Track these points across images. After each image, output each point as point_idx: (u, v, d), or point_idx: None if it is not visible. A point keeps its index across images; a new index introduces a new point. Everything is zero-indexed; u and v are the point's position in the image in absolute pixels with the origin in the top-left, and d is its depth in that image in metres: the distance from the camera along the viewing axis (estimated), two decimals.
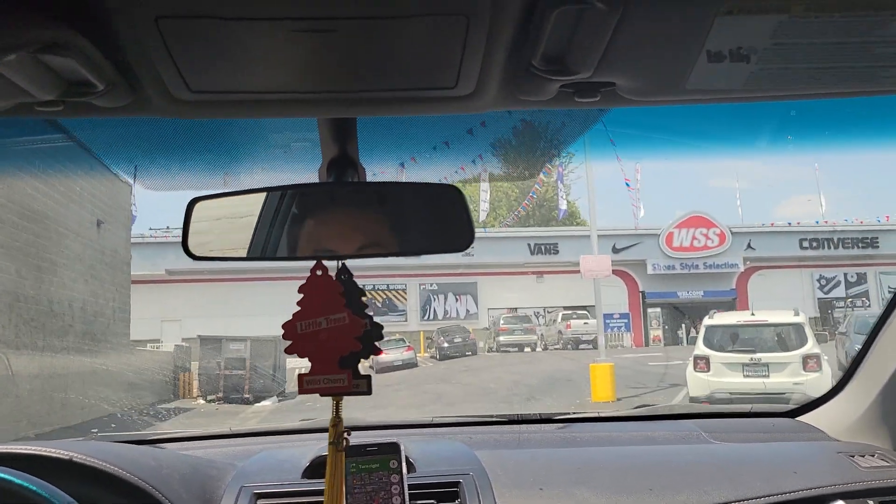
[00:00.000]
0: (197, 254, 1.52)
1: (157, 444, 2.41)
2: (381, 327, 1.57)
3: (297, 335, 1.51)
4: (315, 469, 2.01)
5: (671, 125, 2.11)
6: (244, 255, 1.59)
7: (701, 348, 13.90)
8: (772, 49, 1.05)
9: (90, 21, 0.99)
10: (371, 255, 1.57)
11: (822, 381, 12.26)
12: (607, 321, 33.69)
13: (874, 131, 2.37)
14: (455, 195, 1.46)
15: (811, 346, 13.17)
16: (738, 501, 1.92)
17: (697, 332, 15.62)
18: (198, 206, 1.53)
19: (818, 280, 37.66)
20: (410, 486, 1.83)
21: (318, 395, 1.51)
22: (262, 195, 1.57)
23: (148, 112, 1.29)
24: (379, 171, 1.97)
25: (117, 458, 1.87)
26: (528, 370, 22.01)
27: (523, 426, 2.67)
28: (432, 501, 1.88)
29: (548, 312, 36.11)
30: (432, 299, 36.33)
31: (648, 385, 18.36)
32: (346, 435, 1.59)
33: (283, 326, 1.51)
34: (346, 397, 1.57)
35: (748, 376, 13.18)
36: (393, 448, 1.86)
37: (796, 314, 14.22)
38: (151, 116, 1.32)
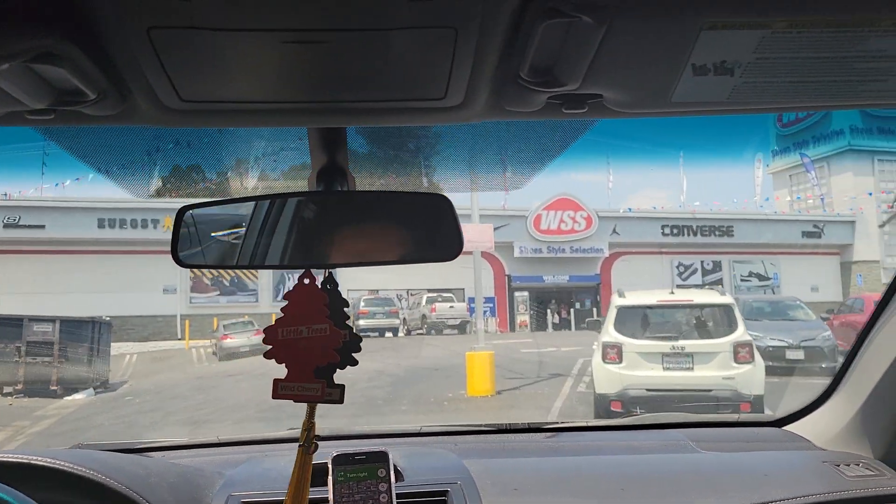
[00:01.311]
0: (187, 262, 1.52)
1: (144, 453, 2.39)
2: (360, 339, 1.58)
3: (277, 341, 1.52)
4: None
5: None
6: (233, 262, 1.60)
7: (611, 334, 11.39)
8: (755, 63, 1.07)
9: (83, 31, 1.00)
10: (360, 263, 1.58)
11: (755, 374, 10.77)
12: (474, 305, 32.01)
13: None
14: (444, 204, 1.48)
15: (742, 333, 11.16)
16: None
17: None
18: (188, 214, 1.53)
19: (677, 267, 38.27)
20: (398, 495, 1.83)
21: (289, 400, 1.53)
22: (252, 204, 1.58)
23: (138, 121, 1.30)
24: (368, 180, 1.97)
25: (104, 467, 1.85)
26: (392, 358, 20.16)
27: (511, 435, 2.68)
28: None
29: (411, 295, 35.16)
30: (286, 278, 32.70)
31: (527, 375, 16.90)
32: (314, 441, 1.60)
33: (265, 331, 1.53)
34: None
35: (669, 368, 10.97)
36: (381, 457, 1.86)
37: (722, 293, 12.31)
38: (142, 125, 1.33)
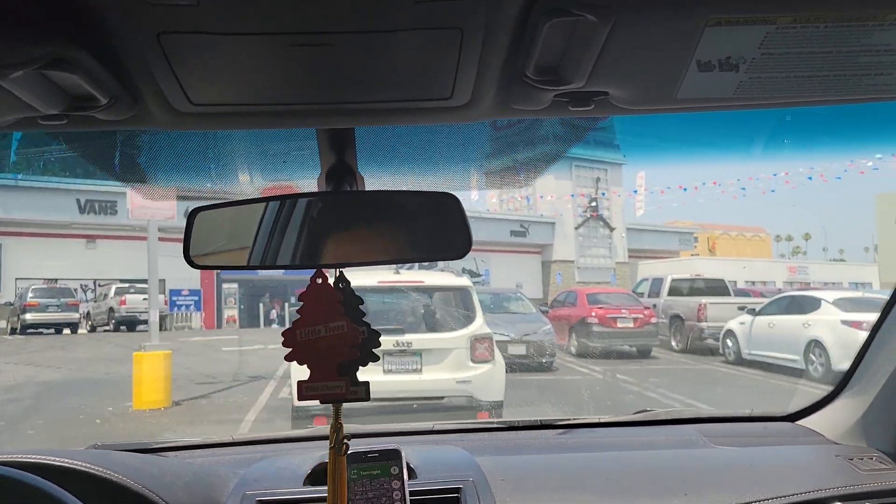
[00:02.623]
0: (199, 263, 1.54)
1: (159, 453, 2.41)
2: (378, 334, 1.58)
3: (297, 343, 1.53)
4: (316, 476, 2.02)
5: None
6: (245, 263, 1.60)
7: None
8: (760, 58, 1.08)
9: (95, 38, 1.01)
10: (369, 262, 1.59)
11: (494, 376, 8.96)
12: (175, 298, 30.21)
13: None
14: (452, 202, 1.48)
15: (481, 325, 9.09)
16: None
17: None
18: (199, 216, 1.55)
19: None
20: (411, 493, 1.84)
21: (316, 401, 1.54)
22: (262, 205, 1.59)
23: (149, 124, 1.32)
24: (377, 179, 1.98)
25: (121, 467, 1.87)
26: (57, 361, 16.96)
27: (523, 432, 2.69)
28: None
29: (100, 286, 31.05)
30: None
31: (221, 379, 14.46)
32: (346, 440, 1.61)
33: (284, 334, 1.54)
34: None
35: (391, 371, 8.69)
36: (394, 454, 1.87)
37: (459, 275, 10.52)
38: (153, 128, 1.35)
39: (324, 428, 2.60)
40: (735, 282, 26.88)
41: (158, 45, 1.03)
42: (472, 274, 36.49)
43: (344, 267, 1.56)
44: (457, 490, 1.93)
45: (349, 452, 1.84)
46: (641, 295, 23.03)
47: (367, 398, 1.55)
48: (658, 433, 2.64)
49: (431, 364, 8.77)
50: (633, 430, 2.73)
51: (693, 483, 2.03)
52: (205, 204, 1.58)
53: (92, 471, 1.82)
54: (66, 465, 1.83)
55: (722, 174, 37.22)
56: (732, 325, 18.38)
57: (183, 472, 2.05)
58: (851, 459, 2.17)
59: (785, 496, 1.96)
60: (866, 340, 2.44)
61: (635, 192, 41.07)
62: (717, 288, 23.03)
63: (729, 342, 18.39)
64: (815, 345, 15.10)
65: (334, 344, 1.52)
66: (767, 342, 16.78)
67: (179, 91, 1.17)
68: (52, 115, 1.20)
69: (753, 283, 38.49)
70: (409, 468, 1.91)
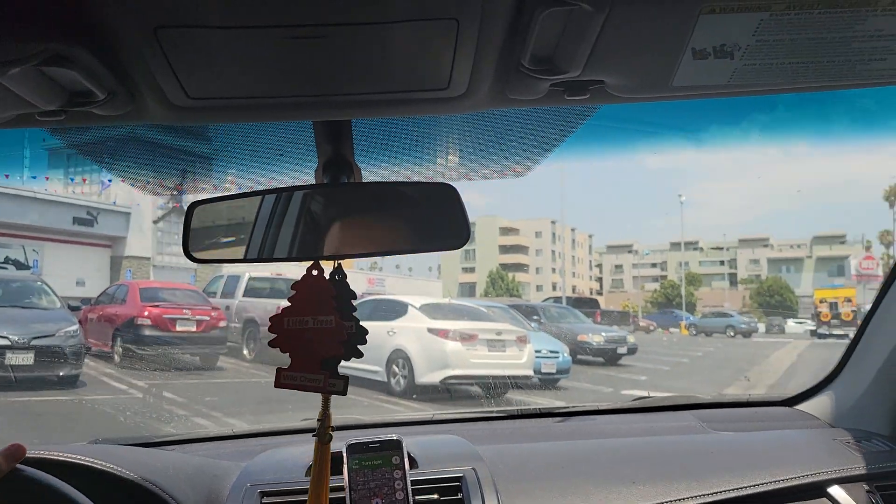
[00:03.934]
0: (197, 256, 1.55)
1: (161, 447, 2.41)
2: (366, 331, 1.60)
3: (283, 330, 1.54)
4: None
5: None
6: (243, 256, 1.61)
7: None
8: (754, 46, 1.08)
9: (92, 34, 1.02)
10: (367, 254, 1.60)
11: None
12: None
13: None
14: (450, 193, 1.48)
15: None
16: (737, 489, 1.95)
17: None
18: (197, 209, 1.55)
19: None
20: (413, 482, 1.85)
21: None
22: (260, 197, 1.60)
23: (147, 119, 1.32)
24: (374, 171, 1.98)
25: (124, 461, 1.87)
26: None
27: (523, 420, 2.71)
28: (435, 496, 1.89)
29: None
30: None
31: None
32: (330, 432, 1.62)
33: (271, 320, 1.55)
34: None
35: None
36: (395, 444, 1.88)
37: None
38: (150, 123, 1.35)
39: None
40: None
41: (156, 39, 1.03)
42: (19, 265, 31.13)
43: (341, 258, 1.57)
44: (458, 479, 1.93)
45: (351, 443, 1.87)
46: (213, 294, 19.53)
47: (344, 392, 1.56)
48: (656, 419, 2.65)
49: None
50: (632, 416, 2.75)
51: (692, 468, 2.04)
52: (203, 198, 1.58)
53: (95, 465, 1.83)
54: (69, 459, 1.83)
55: None
56: None
57: (185, 465, 2.05)
58: (849, 442, 2.19)
59: (783, 479, 1.98)
60: (862, 324, 2.45)
61: None
62: None
63: None
64: (398, 354, 13.18)
65: (320, 337, 1.53)
66: None
67: (176, 85, 1.17)
68: (50, 111, 1.21)
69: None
70: (410, 458, 1.92)
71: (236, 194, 1.62)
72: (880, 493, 2.00)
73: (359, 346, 1.59)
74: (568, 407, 2.78)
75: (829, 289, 47.72)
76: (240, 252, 1.61)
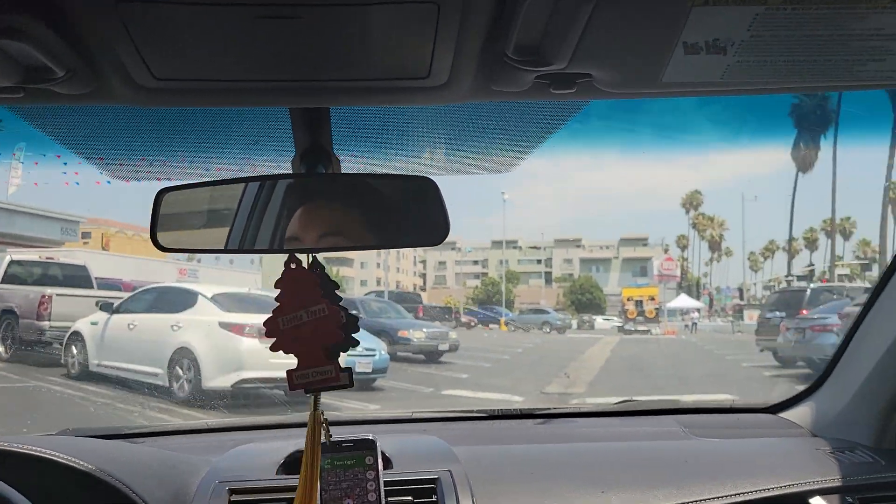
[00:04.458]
0: (166, 245, 1.49)
1: (131, 439, 2.38)
2: (357, 318, 1.56)
3: (280, 332, 1.50)
4: (290, 465, 1.98)
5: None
6: (214, 247, 1.57)
7: None
8: (749, 41, 1.04)
9: (47, 5, 0.96)
10: (344, 248, 1.55)
11: None
12: None
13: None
14: (430, 187, 1.46)
15: None
16: (718, 497, 1.92)
17: None
18: (167, 196, 1.49)
19: None
20: (386, 483, 1.81)
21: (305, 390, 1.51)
22: (233, 186, 1.55)
23: (111, 100, 1.27)
24: (354, 162, 1.94)
25: (88, 455, 1.82)
26: None
27: (503, 422, 2.67)
28: (409, 498, 1.86)
29: None
30: None
31: None
32: (325, 423, 1.60)
33: (265, 324, 1.50)
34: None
35: None
36: (368, 444, 1.83)
37: None
38: (115, 104, 1.30)
39: (300, 415, 2.60)
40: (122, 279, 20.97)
41: (117, 13, 0.98)
42: None
43: (317, 252, 1.52)
44: (433, 481, 1.90)
45: (324, 441, 1.81)
46: None
47: (351, 384, 1.53)
48: (638, 424, 2.64)
49: None
50: (614, 420, 2.73)
51: (673, 475, 2.02)
52: (172, 184, 1.52)
53: (56, 458, 1.77)
54: (30, 452, 1.77)
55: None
56: (81, 325, 12.98)
57: (153, 459, 2.00)
58: (832, 452, 2.17)
59: (765, 489, 1.95)
60: (848, 332, 2.43)
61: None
62: (76, 277, 17.00)
63: (74, 349, 12.86)
64: (183, 354, 11.11)
65: (318, 327, 1.49)
66: (125, 349, 12.03)
67: (141, 64, 1.12)
68: (7, 87, 1.15)
69: None
70: (384, 458, 1.88)
71: (208, 182, 1.56)
72: None
73: (353, 335, 1.55)
74: (549, 408, 2.75)
75: (635, 287, 50.25)
76: (210, 241, 1.57)
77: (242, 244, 1.55)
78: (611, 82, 1.19)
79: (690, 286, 79.33)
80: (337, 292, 1.53)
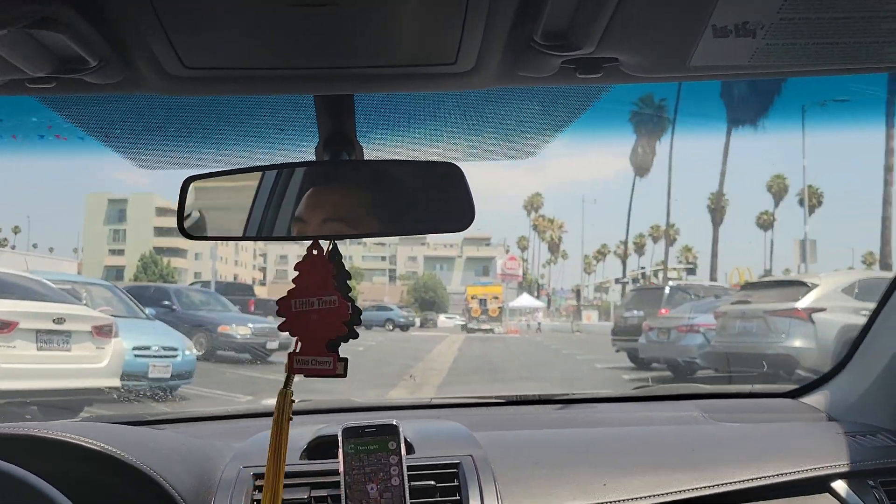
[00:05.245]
0: (192, 233, 1.51)
1: (154, 426, 2.39)
2: (360, 311, 1.57)
3: (291, 313, 1.52)
4: (313, 450, 1.99)
5: None
6: (239, 234, 1.58)
7: None
8: (778, 24, 1.03)
9: None
10: (368, 235, 1.58)
11: None
12: None
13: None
14: (455, 173, 1.45)
15: None
16: (739, 481, 1.92)
17: None
18: (193, 185, 1.51)
19: None
20: (409, 468, 1.82)
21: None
22: (258, 174, 1.56)
23: (141, 89, 1.28)
24: (377, 149, 1.94)
25: (116, 440, 1.83)
26: None
27: (522, 407, 2.67)
28: (431, 483, 1.87)
29: None
30: None
31: None
32: (291, 401, 1.61)
33: (278, 302, 1.52)
34: None
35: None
36: (391, 430, 1.85)
37: None
38: (145, 94, 1.31)
39: (322, 401, 2.61)
40: None
41: (150, 3, 0.99)
42: None
43: (340, 239, 1.53)
44: (455, 465, 1.91)
45: (347, 427, 1.83)
46: None
47: (345, 375, 1.54)
48: (658, 409, 2.63)
49: None
50: (634, 405, 2.74)
51: (693, 459, 2.01)
52: (198, 172, 1.53)
53: (85, 444, 1.77)
54: (59, 437, 1.78)
55: None
56: None
57: (178, 445, 2.01)
58: (854, 436, 2.16)
59: (786, 472, 1.95)
60: (870, 317, 2.41)
61: None
62: None
63: None
64: None
65: (325, 318, 1.50)
66: None
67: (172, 53, 1.13)
68: (40, 77, 1.16)
69: None
70: (406, 443, 1.89)
71: (234, 170, 1.57)
72: (884, 489, 1.98)
73: (354, 327, 1.57)
74: (567, 394, 2.75)
75: (480, 286, 50.70)
76: (236, 229, 1.58)
77: (266, 230, 1.57)
78: (637, 66, 1.19)
79: (531, 286, 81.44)
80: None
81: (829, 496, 1.95)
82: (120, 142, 1.89)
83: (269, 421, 2.39)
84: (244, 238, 1.56)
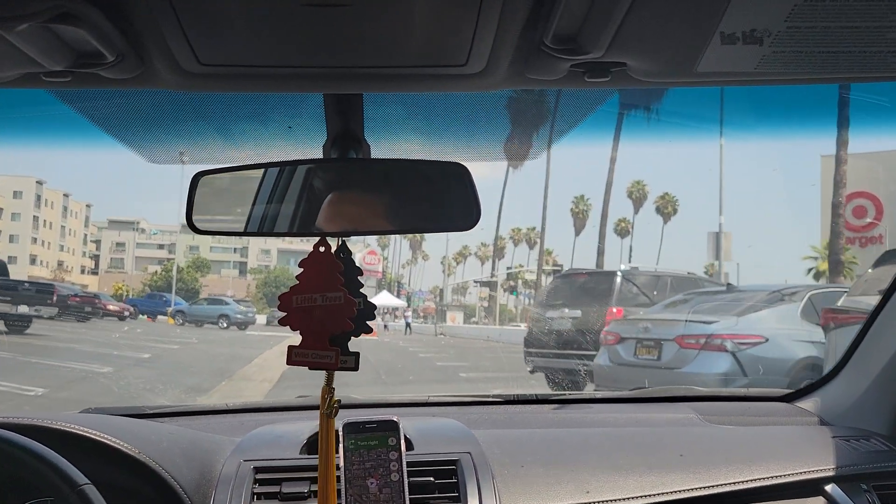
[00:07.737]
0: (201, 228, 1.52)
1: (155, 418, 2.39)
2: (374, 307, 1.59)
3: (292, 308, 1.53)
4: (313, 445, 1.99)
5: None
6: (248, 229, 1.60)
7: None
8: (785, 32, 1.04)
9: None
10: (374, 232, 1.59)
11: None
12: None
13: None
14: (461, 172, 1.47)
15: None
16: (733, 483, 1.94)
17: None
18: (202, 180, 1.52)
19: None
20: (409, 464, 1.82)
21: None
22: (266, 170, 1.58)
23: (156, 84, 1.29)
24: (384, 148, 1.95)
25: (118, 431, 1.85)
26: None
27: (520, 406, 2.68)
28: (430, 479, 1.89)
29: None
30: None
31: None
32: (336, 405, 1.62)
33: (280, 298, 1.54)
34: None
35: None
36: (391, 426, 1.84)
37: None
38: (159, 89, 1.32)
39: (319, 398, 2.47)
40: None
41: (169, 0, 1.01)
42: None
43: (347, 236, 1.55)
44: (454, 462, 1.93)
45: (348, 422, 1.83)
46: None
47: (356, 368, 1.56)
48: (654, 410, 2.65)
49: None
50: (630, 406, 2.75)
51: (688, 460, 2.03)
52: (207, 168, 1.55)
53: (89, 434, 1.80)
54: (64, 428, 1.80)
55: None
56: None
57: (179, 437, 2.03)
58: (848, 441, 2.17)
59: (779, 475, 1.97)
60: (866, 322, 2.43)
61: None
62: None
63: None
64: None
65: (330, 314, 1.51)
66: None
67: (188, 50, 1.15)
68: (56, 71, 1.17)
69: None
70: (406, 440, 1.90)
71: (242, 166, 1.59)
72: (877, 493, 2.00)
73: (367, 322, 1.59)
74: (564, 394, 2.78)
75: None
76: (243, 224, 1.59)
77: (274, 227, 1.58)
78: (645, 71, 1.20)
79: (391, 285, 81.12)
80: None
81: (823, 499, 1.98)
82: (130, 136, 1.90)
83: (268, 415, 2.48)
84: (251, 234, 1.58)
